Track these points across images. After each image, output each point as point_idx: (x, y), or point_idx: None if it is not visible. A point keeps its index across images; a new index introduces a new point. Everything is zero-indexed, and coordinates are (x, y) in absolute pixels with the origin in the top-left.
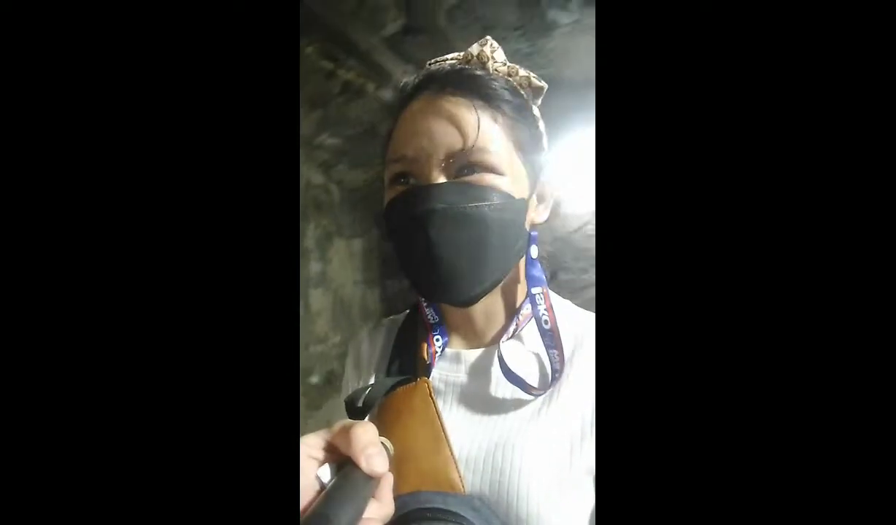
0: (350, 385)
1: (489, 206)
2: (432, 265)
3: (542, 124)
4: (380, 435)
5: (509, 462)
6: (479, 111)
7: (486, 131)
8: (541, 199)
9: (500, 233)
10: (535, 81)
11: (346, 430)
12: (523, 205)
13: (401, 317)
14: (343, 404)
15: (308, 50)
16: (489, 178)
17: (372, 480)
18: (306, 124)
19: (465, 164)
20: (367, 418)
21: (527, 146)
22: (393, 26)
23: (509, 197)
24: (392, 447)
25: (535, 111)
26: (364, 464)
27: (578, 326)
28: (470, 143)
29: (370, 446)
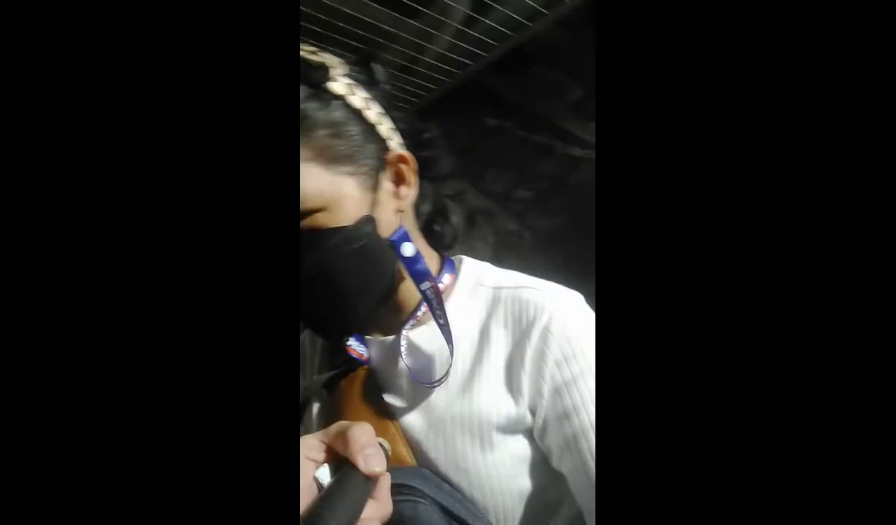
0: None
1: (325, 248)
2: (309, 313)
3: (355, 99)
4: (327, 426)
5: (442, 434)
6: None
7: (310, 175)
8: (399, 180)
9: (353, 265)
10: (311, 58)
11: (343, 431)
12: (366, 224)
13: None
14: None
15: (506, 124)
16: (311, 220)
17: (370, 480)
18: (503, 181)
19: (306, 212)
20: (308, 415)
21: (343, 150)
22: (574, 94)
23: (343, 229)
24: (389, 447)
25: (335, 88)
26: (362, 464)
27: (492, 293)
28: (302, 201)
29: (368, 447)
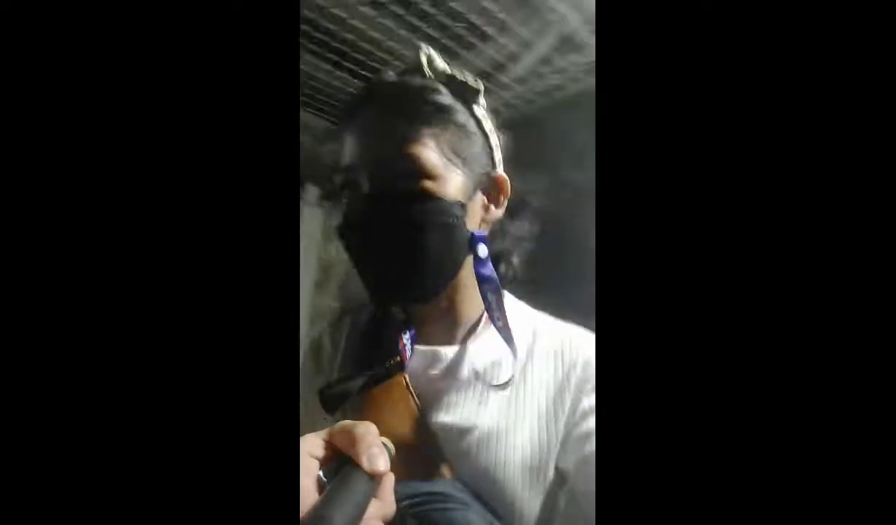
0: (311, 382)
1: (420, 210)
2: (373, 268)
3: (487, 124)
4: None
5: (485, 448)
6: (418, 123)
7: (418, 144)
8: (490, 199)
9: (436, 235)
10: (472, 84)
11: (346, 430)
12: (459, 208)
13: (363, 314)
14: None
15: None
16: (420, 185)
17: (373, 480)
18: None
19: (397, 172)
20: (340, 411)
21: (464, 150)
22: None
23: (440, 199)
24: (393, 447)
25: (478, 112)
26: (366, 463)
27: (531, 322)
28: (398, 151)
29: (372, 446)
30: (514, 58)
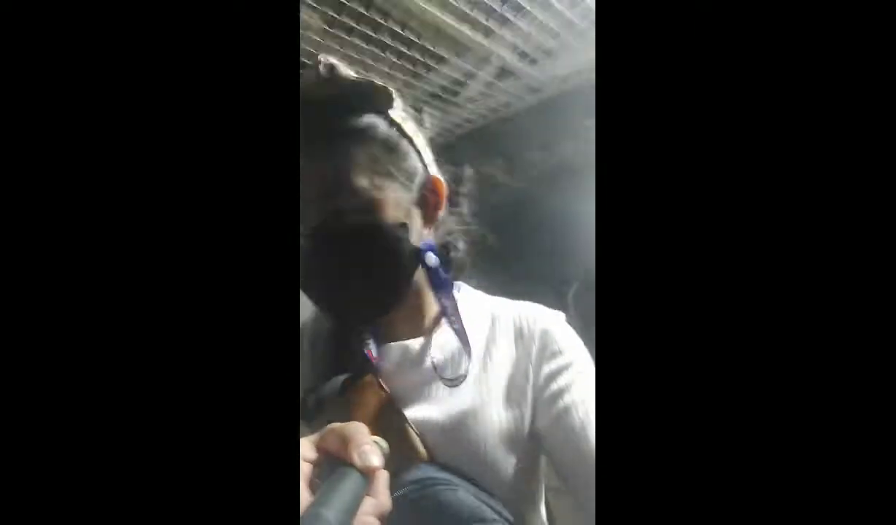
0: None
1: (364, 240)
2: (328, 300)
3: (409, 127)
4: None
5: (461, 429)
6: (330, 158)
7: (340, 175)
8: (430, 203)
9: (383, 260)
10: (381, 89)
11: (337, 431)
12: (401, 229)
13: (323, 320)
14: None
15: None
16: (359, 216)
17: (366, 477)
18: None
19: (334, 209)
20: (317, 420)
21: (394, 163)
22: None
23: (382, 225)
24: (387, 445)
25: (395, 117)
26: (357, 460)
27: (489, 309)
28: (326, 192)
29: (363, 444)
30: (462, 84)
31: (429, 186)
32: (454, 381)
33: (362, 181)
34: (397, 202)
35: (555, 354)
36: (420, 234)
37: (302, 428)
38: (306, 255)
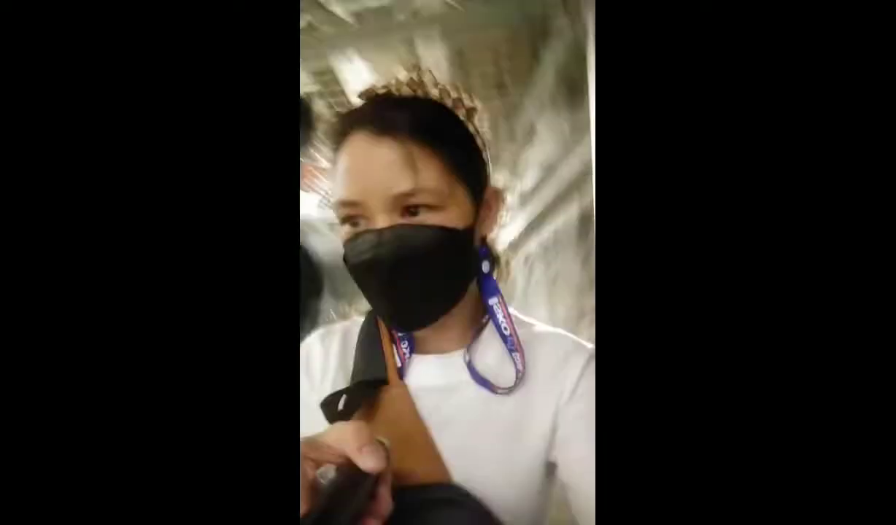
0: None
1: (434, 244)
2: (386, 301)
3: (479, 140)
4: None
5: (485, 453)
6: (413, 149)
7: (423, 170)
8: (487, 213)
9: (448, 266)
10: (468, 102)
11: (340, 431)
12: (467, 235)
13: (355, 322)
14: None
15: None
16: (431, 218)
17: (369, 478)
18: None
19: (408, 205)
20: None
21: (465, 169)
22: None
23: (453, 231)
24: (389, 444)
25: (472, 129)
26: (361, 462)
27: (529, 331)
28: (408, 187)
29: (366, 445)
30: None
31: (490, 195)
32: (506, 391)
33: (435, 180)
34: (465, 206)
35: (583, 395)
36: (478, 242)
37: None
38: (365, 254)
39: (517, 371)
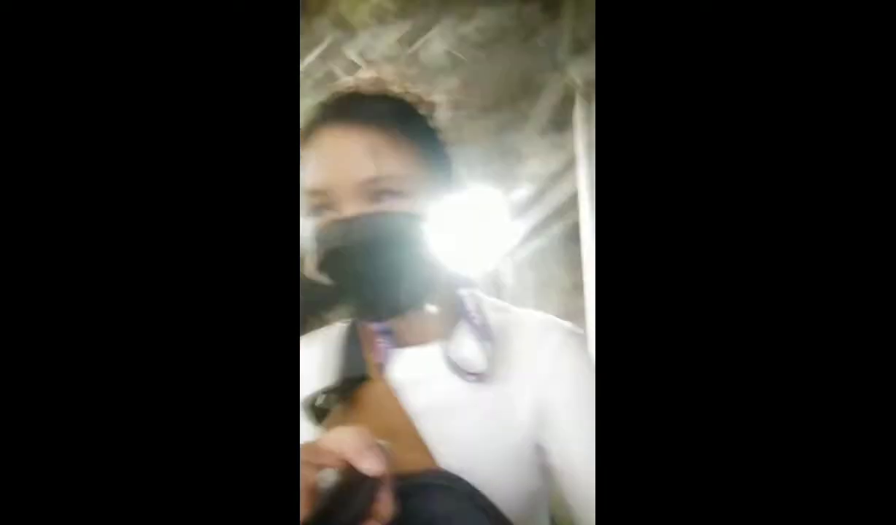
0: None
1: (402, 229)
2: (355, 290)
3: (441, 136)
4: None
5: (468, 436)
6: (377, 139)
7: (387, 158)
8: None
9: (417, 252)
10: (425, 98)
11: (340, 435)
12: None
13: (339, 327)
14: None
15: None
16: (398, 204)
17: (370, 481)
18: None
19: (374, 192)
20: (325, 421)
21: (429, 159)
22: None
23: (420, 217)
24: (390, 447)
25: (433, 124)
26: (362, 465)
27: (501, 316)
28: (372, 173)
29: (367, 448)
30: None
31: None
32: (478, 377)
33: (400, 168)
34: (430, 191)
35: (564, 375)
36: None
37: (310, 428)
38: (334, 242)
39: (488, 359)
